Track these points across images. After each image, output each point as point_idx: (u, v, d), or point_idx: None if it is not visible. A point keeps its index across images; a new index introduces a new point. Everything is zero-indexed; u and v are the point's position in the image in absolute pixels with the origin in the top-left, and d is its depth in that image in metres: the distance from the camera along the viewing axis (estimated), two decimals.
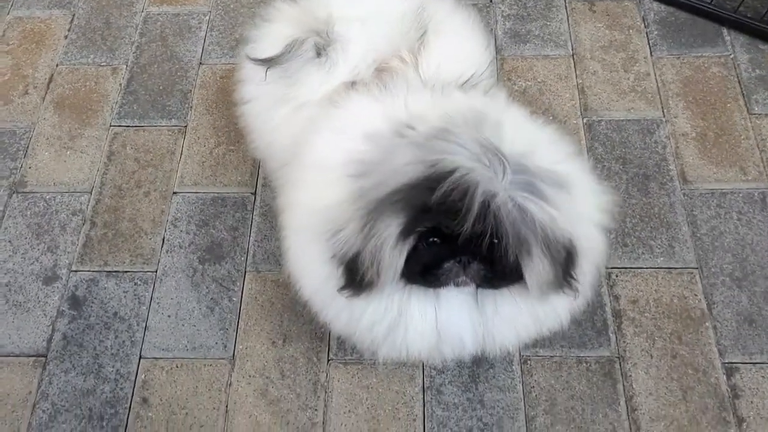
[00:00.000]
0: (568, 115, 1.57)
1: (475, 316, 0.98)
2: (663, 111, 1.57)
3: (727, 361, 1.29)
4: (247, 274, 1.40)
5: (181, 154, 1.55)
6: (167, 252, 1.43)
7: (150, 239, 1.45)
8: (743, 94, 1.59)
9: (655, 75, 1.62)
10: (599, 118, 1.56)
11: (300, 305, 1.35)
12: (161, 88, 1.66)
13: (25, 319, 1.36)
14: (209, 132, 1.58)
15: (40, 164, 1.56)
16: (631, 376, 1.28)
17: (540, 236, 0.84)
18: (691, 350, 1.30)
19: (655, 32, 1.69)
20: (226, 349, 1.32)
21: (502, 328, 0.99)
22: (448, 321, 0.98)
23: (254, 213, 1.47)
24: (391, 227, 0.84)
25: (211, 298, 1.38)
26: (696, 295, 1.35)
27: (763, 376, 1.27)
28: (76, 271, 1.42)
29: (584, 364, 1.29)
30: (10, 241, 1.45)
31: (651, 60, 1.65)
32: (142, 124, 1.60)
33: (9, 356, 1.32)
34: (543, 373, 1.28)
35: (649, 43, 1.67)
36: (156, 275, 1.40)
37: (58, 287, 1.40)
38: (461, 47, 1.15)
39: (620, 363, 1.29)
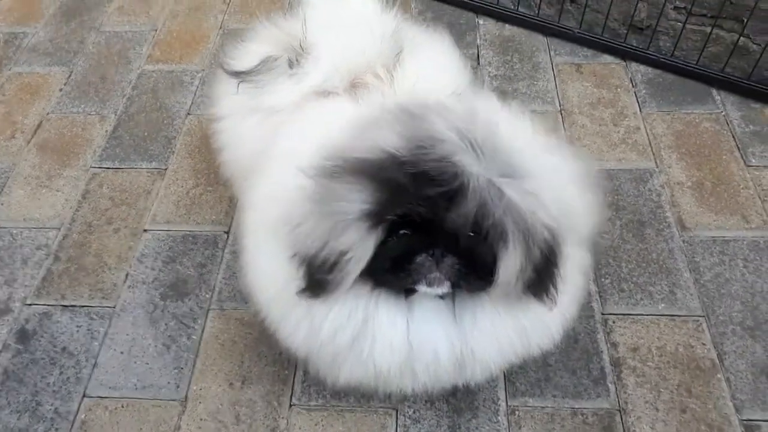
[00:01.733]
0: None
1: (452, 328, 0.87)
2: (656, 161, 1.52)
3: (745, 418, 1.12)
4: (210, 311, 1.29)
5: (158, 194, 1.50)
6: (129, 287, 1.33)
7: (113, 274, 1.35)
8: (738, 147, 1.53)
9: (646, 129, 1.59)
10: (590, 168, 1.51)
11: (264, 344, 1.24)
12: (146, 134, 1.64)
13: None
14: (188, 174, 1.54)
15: (13, 201, 1.50)
16: (634, 431, 1.11)
17: (521, 225, 0.75)
18: (703, 404, 1.14)
19: (644, 91, 1.68)
20: (179, 390, 1.18)
21: (483, 341, 0.87)
22: (420, 331, 0.86)
23: (224, 251, 1.38)
24: (355, 202, 0.75)
25: (169, 336, 1.25)
26: (704, 344, 1.21)
27: None
28: (30, 304, 1.31)
29: (580, 416, 1.13)
30: None
31: (641, 115, 1.62)
32: (122, 166, 1.56)
33: None
34: (533, 426, 1.12)
35: (638, 101, 1.66)
36: (114, 310, 1.29)
37: (7, 320, 1.29)
38: (437, 66, 1.11)
39: (621, 416, 1.13)
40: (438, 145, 0.74)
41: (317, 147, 0.83)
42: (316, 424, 1.13)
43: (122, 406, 1.16)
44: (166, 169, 1.56)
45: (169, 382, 1.19)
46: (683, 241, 1.37)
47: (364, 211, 0.74)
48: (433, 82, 1.05)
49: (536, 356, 0.95)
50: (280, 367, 1.20)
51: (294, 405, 1.15)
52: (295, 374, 1.18)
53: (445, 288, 0.81)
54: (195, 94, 1.74)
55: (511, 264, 0.76)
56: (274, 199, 0.87)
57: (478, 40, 1.84)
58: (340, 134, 0.83)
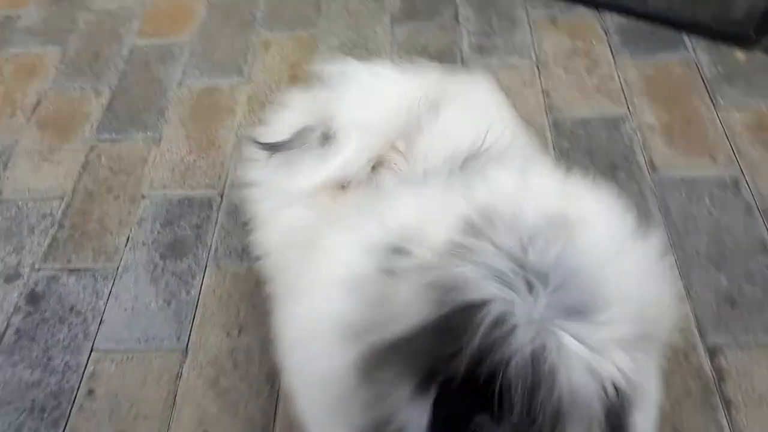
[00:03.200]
0: (532, 113, 1.53)
1: None
2: (628, 107, 1.53)
3: (710, 343, 1.17)
4: (207, 268, 1.33)
5: (154, 162, 1.54)
6: (130, 249, 1.37)
7: (115, 238, 1.40)
8: (708, 90, 1.54)
9: (619, 77, 1.59)
10: (564, 116, 1.52)
11: (257, 296, 1.29)
12: (141, 106, 1.67)
13: None
14: (182, 142, 1.57)
15: (18, 175, 1.54)
16: None
17: (595, 398, 0.59)
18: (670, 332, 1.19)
19: (617, 40, 1.68)
20: (179, 341, 1.23)
21: None
22: None
23: (218, 212, 1.42)
24: (402, 383, 0.62)
25: (170, 292, 1.30)
26: (673, 278, 1.25)
27: (749, 357, 1.14)
28: (38, 269, 1.36)
29: None
30: None
31: (614, 64, 1.63)
32: (119, 138, 1.60)
33: None
34: None
35: (611, 50, 1.66)
36: (117, 271, 1.34)
37: (18, 285, 1.34)
38: (465, 121, 0.91)
39: None
40: (487, 300, 0.58)
41: (335, 325, 0.68)
42: None
43: (127, 358, 1.22)
44: (160, 138, 1.59)
45: (170, 334, 1.24)
46: (653, 182, 1.39)
47: (412, 387, 0.62)
48: (451, 138, 0.87)
49: None
50: (272, 317, 1.25)
51: None
52: None
53: None
54: (184, 66, 1.76)
55: None
56: (315, 378, 0.73)
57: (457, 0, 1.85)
58: (353, 307, 0.67)
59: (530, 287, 0.58)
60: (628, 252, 0.65)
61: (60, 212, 1.46)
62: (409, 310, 0.62)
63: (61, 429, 1.13)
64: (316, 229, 0.83)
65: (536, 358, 0.57)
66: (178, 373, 1.19)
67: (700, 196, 1.36)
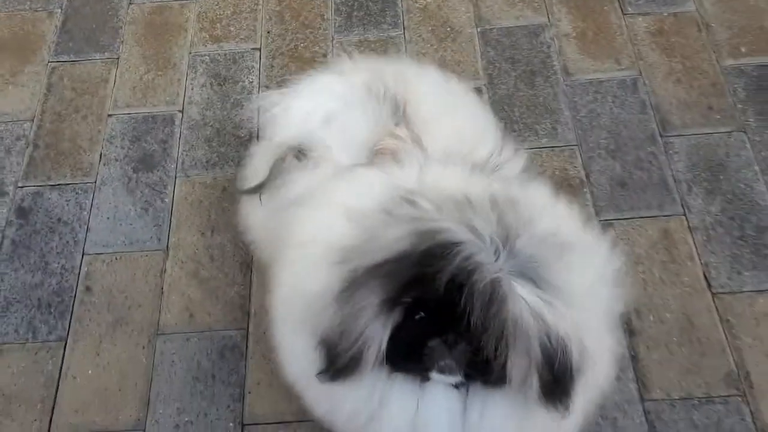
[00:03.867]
0: (463, 25, 1.68)
1: (457, 418, 0.86)
2: (548, 16, 1.70)
3: (602, 218, 1.42)
4: (177, 178, 1.50)
5: (115, 81, 1.64)
6: (104, 165, 1.52)
7: (88, 156, 1.54)
8: None
9: None
10: (491, 27, 1.69)
11: (226, 201, 1.47)
12: (94, 26, 1.74)
13: None
14: (139, 61, 1.67)
15: None
16: None
17: (527, 331, 0.73)
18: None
19: None
20: (160, 242, 1.42)
21: (487, 418, 0.85)
22: (425, 417, 0.86)
23: (182, 127, 1.57)
24: (372, 297, 0.76)
25: (145, 201, 1.47)
26: (576, 167, 1.48)
27: (632, 228, 1.40)
28: (21, 186, 1.50)
29: None
30: None
31: None
32: (78, 59, 1.69)
33: None
34: None
35: None
36: (95, 185, 1.49)
37: (5, 202, 1.48)
38: (473, 126, 1.05)
39: None
40: (458, 242, 0.72)
41: (332, 245, 0.82)
42: None
43: (116, 259, 1.41)
44: (118, 58, 1.68)
45: (151, 237, 1.43)
46: (566, 85, 1.59)
47: (380, 301, 0.76)
48: (469, 143, 0.99)
49: None
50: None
51: None
52: None
53: (457, 377, 0.80)
54: None
55: (516, 368, 0.75)
56: (297, 295, 0.88)
57: None
58: (351, 232, 0.81)
59: (497, 249, 0.72)
60: (581, 249, 0.80)
61: (32, 133, 1.57)
62: (394, 244, 0.76)
63: (67, 319, 1.34)
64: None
65: (493, 288, 0.70)
66: (162, 268, 1.39)
67: (604, 96, 1.57)
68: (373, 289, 0.76)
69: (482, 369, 0.78)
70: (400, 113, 0.99)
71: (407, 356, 0.79)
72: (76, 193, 1.49)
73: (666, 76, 1.60)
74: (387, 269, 0.75)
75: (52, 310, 1.35)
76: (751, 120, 1.52)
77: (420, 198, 0.80)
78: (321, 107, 1.02)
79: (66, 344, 1.31)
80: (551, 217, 0.82)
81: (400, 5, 1.73)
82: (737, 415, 1.18)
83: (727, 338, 1.26)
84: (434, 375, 0.80)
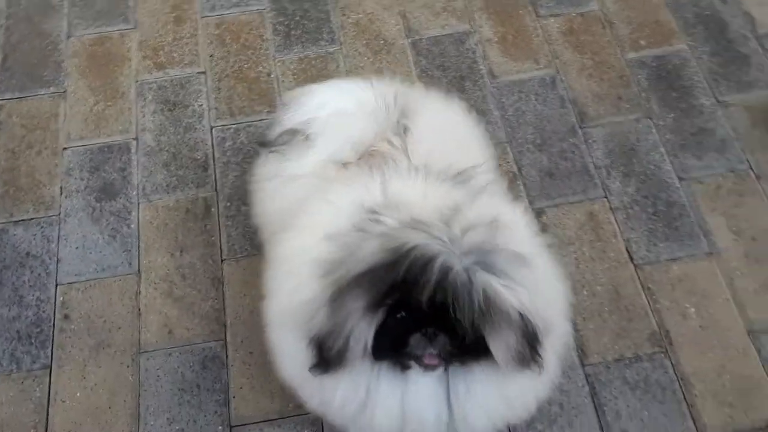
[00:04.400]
0: (395, 37, 1.81)
1: (442, 400, 0.97)
2: (470, 23, 1.85)
3: (535, 206, 1.59)
4: (140, 204, 1.57)
5: (65, 115, 1.69)
6: (66, 197, 1.57)
7: (49, 189, 1.59)
8: (530, 1, 1.89)
9: None
10: (420, 37, 1.82)
11: (191, 221, 1.55)
12: (35, 62, 1.77)
13: None
14: (87, 93, 1.72)
15: None
16: None
17: (496, 311, 0.85)
18: None
19: None
20: (131, 266, 1.49)
21: (475, 410, 0.98)
22: (412, 402, 0.97)
23: (138, 154, 1.63)
24: (358, 301, 0.87)
25: (112, 228, 1.54)
26: (508, 162, 1.64)
27: (562, 213, 1.57)
28: None
29: None
30: None
31: None
32: (24, 95, 1.72)
33: None
34: None
35: None
36: (59, 217, 1.55)
37: None
38: (454, 138, 1.19)
39: None
40: (417, 245, 0.84)
41: (316, 262, 0.92)
42: (244, 269, 1.49)
43: (90, 286, 1.47)
44: (65, 91, 1.72)
45: (122, 262, 1.50)
46: (493, 87, 1.75)
47: (365, 305, 0.87)
48: (449, 153, 1.11)
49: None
50: (207, 235, 1.53)
51: (225, 259, 1.50)
52: (220, 238, 1.52)
53: (438, 370, 0.93)
54: (68, 16, 1.84)
55: (495, 343, 0.87)
56: (288, 305, 0.98)
57: None
58: (332, 249, 0.91)
59: (457, 249, 0.84)
60: (530, 254, 0.92)
61: None
62: (371, 257, 0.87)
63: (49, 348, 1.40)
64: (308, 197, 1.08)
65: (466, 280, 0.82)
66: (136, 290, 1.46)
67: (527, 94, 1.74)
68: (358, 296, 0.87)
69: (462, 352, 0.89)
70: (401, 125, 1.13)
71: (393, 349, 0.90)
72: (42, 227, 1.54)
73: (579, 72, 1.78)
74: (368, 278, 0.87)
75: (32, 341, 1.41)
76: (654, 106, 1.72)
77: (384, 215, 0.92)
78: (336, 102, 1.17)
79: (51, 371, 1.37)
80: (503, 224, 0.93)
81: (333, 22, 1.84)
82: (661, 368, 1.38)
83: (649, 303, 1.45)
84: (418, 369, 0.92)
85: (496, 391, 0.96)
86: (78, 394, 1.35)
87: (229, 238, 1.52)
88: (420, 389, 0.96)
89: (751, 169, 1.61)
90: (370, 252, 0.88)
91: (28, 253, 1.51)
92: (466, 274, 0.83)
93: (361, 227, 0.92)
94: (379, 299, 0.86)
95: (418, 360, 0.91)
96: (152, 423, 1.32)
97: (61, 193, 1.58)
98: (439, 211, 0.91)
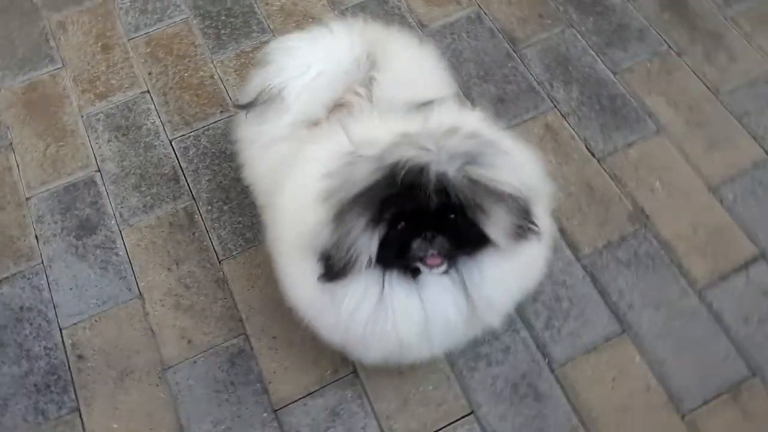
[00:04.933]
0: (322, 12, 1.83)
1: (459, 293, 1.03)
2: None
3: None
4: (122, 231, 1.55)
5: (18, 166, 1.64)
6: (44, 244, 1.53)
7: (24, 241, 1.54)
8: None
9: None
10: (345, 6, 1.85)
11: (178, 233, 1.54)
12: None
13: None
14: (35, 140, 1.67)
15: None
16: None
17: (494, 195, 0.93)
18: None
19: None
20: (132, 291, 1.47)
21: (493, 289, 1.04)
22: (432, 301, 1.02)
23: (105, 184, 1.61)
24: (360, 218, 0.93)
25: (101, 261, 1.51)
26: (461, 98, 1.70)
27: (522, 132, 1.62)
28: None
29: None
30: None
31: None
32: None
33: None
34: None
35: None
36: (44, 265, 1.51)
37: None
38: (413, 74, 1.22)
39: None
40: (409, 158, 0.91)
41: (316, 192, 0.97)
42: (243, 264, 1.49)
43: (96, 321, 1.44)
44: (11, 143, 1.67)
45: (121, 290, 1.48)
46: (427, 36, 1.80)
47: (366, 221, 0.94)
48: (411, 90, 1.17)
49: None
50: (198, 242, 1.52)
51: (222, 260, 1.50)
52: (212, 241, 1.52)
53: (442, 267, 0.99)
54: None
55: (496, 228, 0.95)
56: (295, 234, 1.03)
57: None
58: (330, 177, 0.97)
59: (442, 153, 0.91)
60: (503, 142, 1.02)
61: None
62: (365, 177, 0.94)
63: (72, 391, 1.37)
64: (296, 152, 1.13)
65: (458, 178, 0.90)
66: (144, 312, 1.45)
67: (459, 34, 1.80)
68: (359, 213, 0.94)
69: (463, 246, 0.97)
70: (369, 77, 1.17)
71: (398, 257, 0.97)
72: (28, 279, 1.49)
73: (499, 2, 1.85)
74: (367, 196, 0.93)
75: (52, 389, 1.37)
76: (573, 15, 1.82)
77: (362, 151, 0.97)
78: (315, 66, 1.17)
79: (80, 413, 1.35)
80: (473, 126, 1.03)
81: (259, 12, 1.85)
82: (646, 241, 1.47)
83: (619, 189, 1.54)
84: (423, 267, 0.99)
85: (507, 267, 1.02)
86: (115, 426, 1.34)
87: (220, 239, 1.52)
88: (435, 288, 1.01)
89: (671, 48, 1.74)
90: (365, 172, 0.94)
91: (21, 307, 1.47)
92: (459, 174, 0.91)
93: (350, 161, 0.97)
94: (378, 214, 0.93)
95: (422, 261, 0.97)
96: (197, 430, 1.33)
97: (38, 241, 1.54)
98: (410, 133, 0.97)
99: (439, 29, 1.81)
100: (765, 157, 1.54)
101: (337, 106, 1.19)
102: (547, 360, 1.35)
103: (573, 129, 1.63)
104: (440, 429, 1.30)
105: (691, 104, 1.63)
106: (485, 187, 0.93)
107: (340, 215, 0.95)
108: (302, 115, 1.17)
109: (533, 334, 1.38)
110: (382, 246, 0.95)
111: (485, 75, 1.73)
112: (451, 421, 1.30)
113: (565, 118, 1.65)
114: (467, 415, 1.31)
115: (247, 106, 1.25)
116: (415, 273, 1.01)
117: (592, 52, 1.74)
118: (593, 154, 1.58)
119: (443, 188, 0.90)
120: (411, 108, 1.12)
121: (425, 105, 1.13)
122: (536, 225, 0.99)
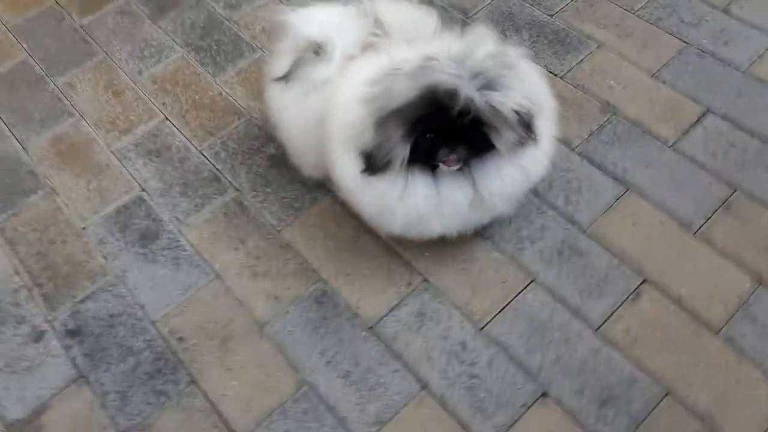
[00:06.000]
0: None
1: (467, 183, 1.30)
2: None
3: None
4: (182, 231, 1.67)
5: (66, 205, 1.74)
6: (113, 260, 1.63)
7: (93, 263, 1.63)
8: None
9: None
10: None
11: (234, 219, 1.69)
12: (9, 181, 1.79)
13: (40, 371, 1.47)
14: (74, 180, 1.78)
15: None
16: None
17: (503, 117, 1.18)
18: None
19: None
20: (209, 274, 1.59)
21: (495, 183, 1.31)
22: (445, 185, 1.30)
23: (154, 199, 1.73)
24: (398, 130, 1.20)
25: (171, 259, 1.62)
26: None
27: None
28: (51, 319, 1.55)
29: None
30: None
31: None
32: (16, 211, 1.73)
33: (51, 399, 1.43)
34: None
35: None
36: (119, 277, 1.60)
37: (49, 337, 1.52)
38: (411, 16, 1.50)
39: None
40: (439, 83, 1.16)
41: (361, 95, 1.23)
42: (300, 227, 1.64)
43: (185, 307, 1.54)
44: (53, 189, 1.77)
45: (199, 276, 1.59)
46: None
47: (402, 133, 1.20)
48: (412, 24, 1.46)
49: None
50: (254, 222, 1.66)
51: (280, 229, 1.64)
52: (265, 217, 1.67)
53: (457, 165, 1.26)
54: (14, 136, 1.89)
55: (503, 142, 1.22)
56: (343, 124, 1.30)
57: None
58: (373, 85, 1.22)
59: (468, 78, 1.16)
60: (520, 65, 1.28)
61: (29, 279, 1.61)
62: (403, 94, 1.18)
63: (183, 368, 1.46)
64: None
65: (477, 99, 1.15)
66: (227, 287, 1.57)
67: None
68: (397, 125, 1.20)
69: (477, 152, 1.25)
70: (378, 22, 1.42)
71: (425, 160, 1.25)
72: (108, 291, 1.58)
73: None
74: (405, 112, 1.19)
75: (164, 372, 1.46)
76: None
77: (405, 64, 1.24)
78: (332, 18, 1.43)
79: (196, 383, 1.44)
80: (497, 49, 1.28)
81: (244, 37, 2.06)
82: (620, 124, 1.75)
83: (585, 93, 1.84)
84: (444, 167, 1.26)
85: (509, 165, 1.29)
86: (234, 383, 1.43)
87: (272, 214, 1.68)
88: (449, 179, 1.29)
89: None
90: (404, 89, 1.18)
91: (110, 315, 1.55)
92: (482, 100, 1.16)
93: (390, 74, 1.23)
94: (413, 128, 1.19)
95: (443, 162, 1.25)
96: (310, 364, 1.44)
97: (107, 260, 1.63)
98: (437, 52, 1.23)
99: None
100: (684, 45, 1.91)
101: (365, 46, 1.42)
102: (576, 226, 1.59)
103: (533, 60, 1.94)
104: (512, 299, 1.50)
105: (617, 23, 2.00)
106: (501, 112, 1.18)
107: (381, 124, 1.20)
108: (341, 53, 1.39)
109: (559, 211, 1.62)
110: (413, 150, 1.21)
111: None
112: (518, 291, 1.51)
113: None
114: (530, 284, 1.52)
115: (285, 77, 1.48)
116: (434, 168, 1.28)
117: (528, 4, 2.09)
118: (556, 75, 1.89)
119: (468, 111, 1.16)
120: (426, 36, 1.41)
121: (435, 33, 1.44)
122: (535, 136, 1.25)
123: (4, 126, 1.91)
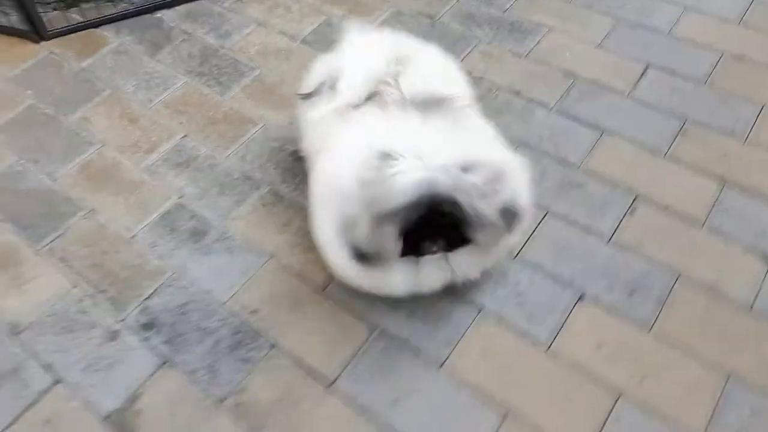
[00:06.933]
0: (289, 43, 2.31)
1: (445, 265, 1.44)
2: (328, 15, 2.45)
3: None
4: (227, 226, 1.79)
5: (108, 221, 1.81)
6: (168, 259, 1.72)
7: (149, 265, 1.71)
8: None
9: None
10: (303, 36, 2.35)
11: (274, 207, 1.83)
12: (45, 211, 1.84)
13: (122, 365, 1.54)
14: (112, 198, 1.86)
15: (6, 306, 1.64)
16: None
17: (488, 221, 1.30)
18: None
19: None
20: (261, 256, 1.72)
21: (468, 265, 1.47)
22: (423, 271, 1.44)
23: (194, 203, 1.84)
24: (393, 230, 1.29)
25: (224, 249, 1.74)
26: None
27: (468, 58, 2.24)
28: (123, 310, 1.62)
29: None
30: None
31: None
32: (59, 233, 1.79)
33: (142, 386, 1.50)
34: None
35: None
36: (177, 274, 1.69)
37: (123, 333, 1.59)
38: (433, 72, 1.58)
39: None
40: (434, 194, 1.26)
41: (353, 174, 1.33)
42: None
43: (249, 285, 1.65)
44: (92, 209, 1.84)
45: (253, 259, 1.71)
46: None
47: (397, 232, 1.30)
48: (431, 82, 1.52)
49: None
50: (294, 207, 1.81)
51: None
52: (303, 200, 1.82)
53: (437, 254, 1.38)
54: (38, 171, 1.94)
55: (484, 240, 1.36)
56: (333, 190, 1.42)
57: None
58: (369, 188, 1.31)
59: (452, 183, 1.27)
60: (509, 168, 1.40)
61: (90, 288, 1.67)
62: (401, 197, 1.26)
63: (262, 336, 1.57)
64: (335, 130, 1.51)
65: (471, 206, 1.28)
66: (283, 265, 1.70)
67: None
68: (392, 226, 1.29)
69: (458, 244, 1.37)
70: (397, 72, 1.52)
71: (409, 251, 1.35)
72: (171, 285, 1.67)
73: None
74: (401, 215, 1.28)
75: (245, 342, 1.56)
76: None
77: (397, 158, 1.31)
78: (365, 67, 1.55)
79: (278, 346, 1.55)
80: (484, 146, 1.47)
81: (241, 60, 2.24)
82: (582, 84, 2.09)
83: (547, 66, 2.17)
84: (427, 256, 1.39)
85: (481, 252, 1.44)
86: (313, 337, 1.56)
87: (307, 198, 1.82)
88: (428, 264, 1.43)
89: None
90: (401, 192, 1.27)
91: (179, 305, 1.63)
92: (471, 210, 1.27)
93: (388, 163, 1.30)
94: (407, 228, 1.29)
95: (425, 252, 1.36)
96: (377, 312, 1.59)
97: (162, 260, 1.72)
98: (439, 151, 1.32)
99: None
100: (616, 21, 2.30)
101: (375, 93, 1.50)
102: (570, 166, 1.88)
103: (498, 48, 2.26)
104: (535, 229, 1.73)
105: (558, 11, 2.37)
106: (488, 220, 1.30)
107: (377, 226, 1.29)
108: (347, 97, 1.51)
109: (552, 156, 1.90)
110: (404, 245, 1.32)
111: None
112: (539, 221, 1.75)
113: (489, 44, 2.28)
114: (545, 215, 1.77)
115: (308, 96, 1.66)
116: (419, 255, 1.38)
117: (483, 6, 2.41)
118: (521, 56, 2.21)
119: (459, 220, 1.29)
120: (434, 101, 1.46)
121: (446, 100, 1.48)
122: (512, 230, 1.39)
123: (27, 163, 1.97)
